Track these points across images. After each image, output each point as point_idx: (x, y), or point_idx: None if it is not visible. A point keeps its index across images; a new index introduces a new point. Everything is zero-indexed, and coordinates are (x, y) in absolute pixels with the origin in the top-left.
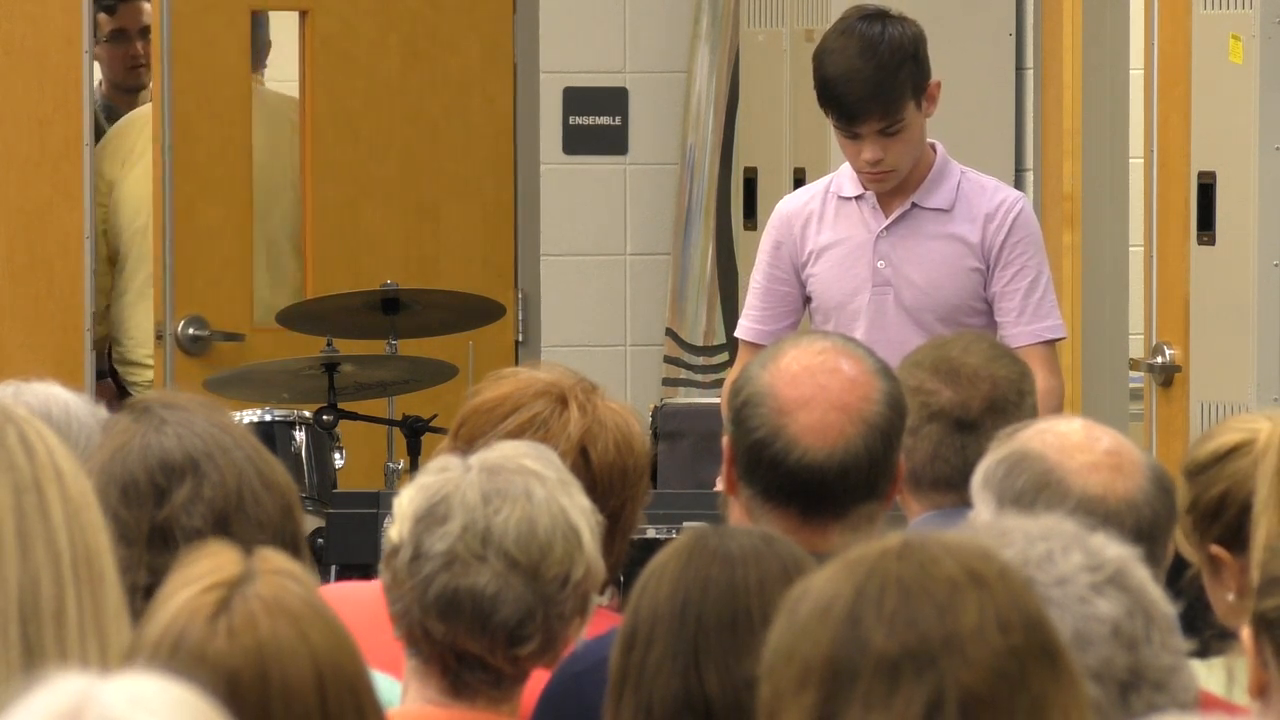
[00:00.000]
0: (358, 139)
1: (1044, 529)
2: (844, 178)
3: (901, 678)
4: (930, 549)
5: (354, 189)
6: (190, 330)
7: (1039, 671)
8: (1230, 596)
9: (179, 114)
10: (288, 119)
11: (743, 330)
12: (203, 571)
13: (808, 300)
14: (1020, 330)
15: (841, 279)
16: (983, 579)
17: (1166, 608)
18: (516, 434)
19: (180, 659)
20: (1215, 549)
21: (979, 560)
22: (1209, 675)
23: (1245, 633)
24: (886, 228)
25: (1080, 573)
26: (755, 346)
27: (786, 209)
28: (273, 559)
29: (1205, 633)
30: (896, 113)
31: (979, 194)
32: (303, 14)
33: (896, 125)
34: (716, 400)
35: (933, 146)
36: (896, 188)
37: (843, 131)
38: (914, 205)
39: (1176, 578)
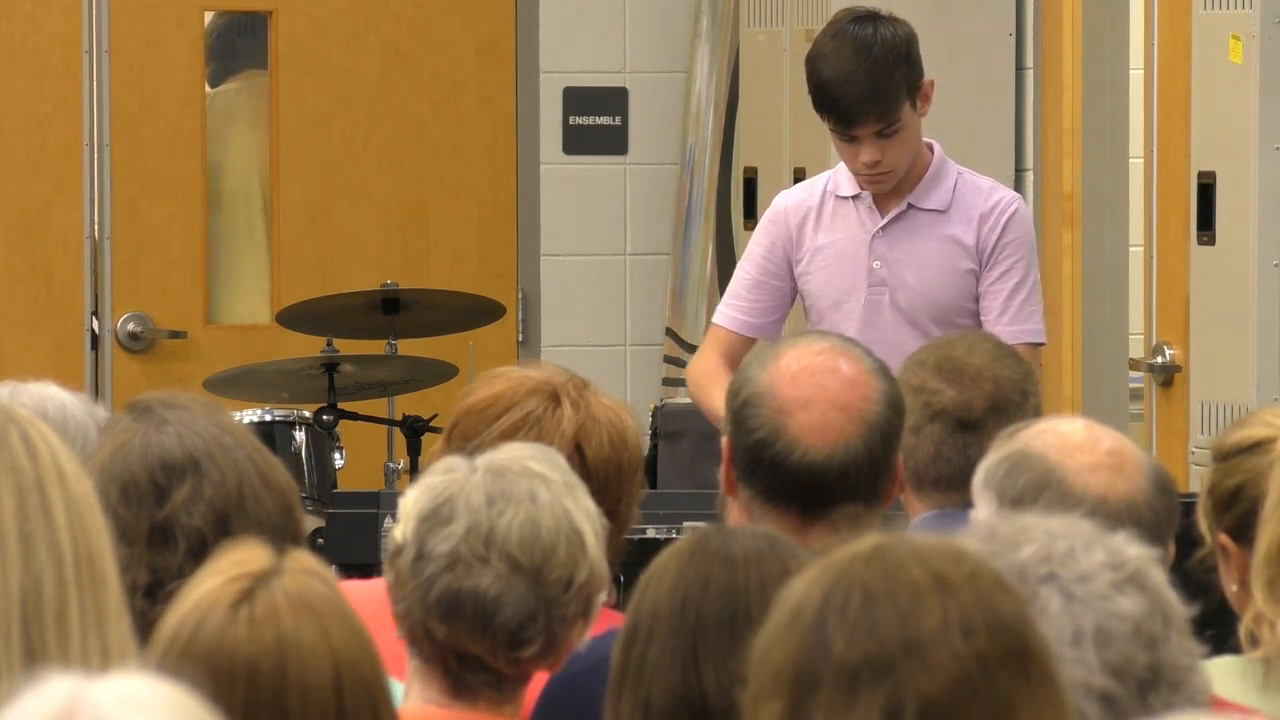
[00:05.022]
0: (331, 139)
1: (1064, 527)
2: (841, 176)
3: (860, 686)
4: (899, 554)
5: (328, 189)
6: (129, 327)
7: (1006, 676)
8: (1234, 587)
9: (119, 112)
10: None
11: (725, 319)
12: (230, 564)
13: (793, 297)
14: (1000, 330)
15: (837, 279)
16: (949, 584)
17: (1182, 609)
18: (510, 433)
19: (199, 645)
20: (1224, 538)
21: (948, 564)
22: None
23: None
24: (882, 228)
25: (1102, 570)
26: (734, 336)
27: (784, 204)
28: (302, 558)
29: (1206, 633)
30: (893, 114)
31: (975, 195)
32: (268, 15)
33: (893, 126)
34: None
35: (930, 146)
36: (893, 188)
37: (839, 135)
38: (910, 206)
39: (1177, 579)
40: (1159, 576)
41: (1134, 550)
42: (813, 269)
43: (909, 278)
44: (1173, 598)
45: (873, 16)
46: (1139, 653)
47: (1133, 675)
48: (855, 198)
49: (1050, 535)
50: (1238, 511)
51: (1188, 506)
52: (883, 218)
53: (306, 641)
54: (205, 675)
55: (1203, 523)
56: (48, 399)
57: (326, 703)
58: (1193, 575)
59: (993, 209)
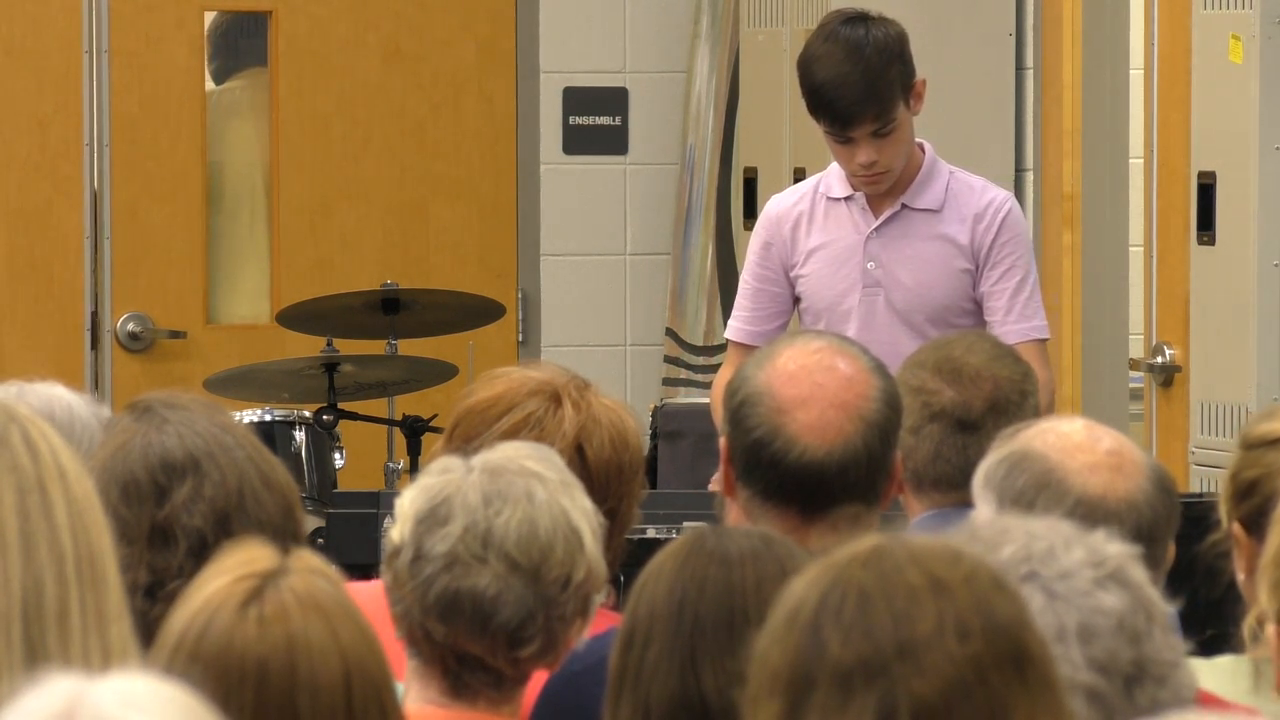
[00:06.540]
0: (331, 139)
1: (1044, 527)
2: (832, 178)
3: (854, 687)
4: (897, 555)
5: (328, 189)
6: (129, 327)
7: (1001, 679)
8: (1243, 575)
9: (119, 112)
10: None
11: (733, 331)
12: (236, 563)
13: (797, 300)
14: (1009, 329)
15: (832, 280)
16: (945, 586)
17: (1164, 606)
18: (511, 434)
19: (208, 645)
20: (1236, 527)
21: (945, 567)
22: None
23: (1270, 629)
24: (876, 229)
25: (1083, 568)
26: (745, 347)
27: (776, 210)
28: (307, 557)
29: (1205, 633)
30: (889, 114)
31: (968, 194)
32: (268, 15)
33: (889, 126)
34: None
35: (920, 147)
36: (886, 189)
37: (835, 136)
38: (903, 206)
39: (1177, 578)
40: (1140, 573)
41: (1114, 548)
42: (807, 271)
43: (904, 278)
44: (1154, 594)
45: (863, 17)
46: (1123, 648)
47: (1118, 671)
48: (848, 199)
49: (1030, 535)
50: (1252, 504)
51: (1187, 506)
52: (876, 219)
53: (316, 641)
54: (214, 675)
55: (1222, 507)
56: (54, 400)
57: (336, 702)
58: (1203, 559)
59: (986, 208)
